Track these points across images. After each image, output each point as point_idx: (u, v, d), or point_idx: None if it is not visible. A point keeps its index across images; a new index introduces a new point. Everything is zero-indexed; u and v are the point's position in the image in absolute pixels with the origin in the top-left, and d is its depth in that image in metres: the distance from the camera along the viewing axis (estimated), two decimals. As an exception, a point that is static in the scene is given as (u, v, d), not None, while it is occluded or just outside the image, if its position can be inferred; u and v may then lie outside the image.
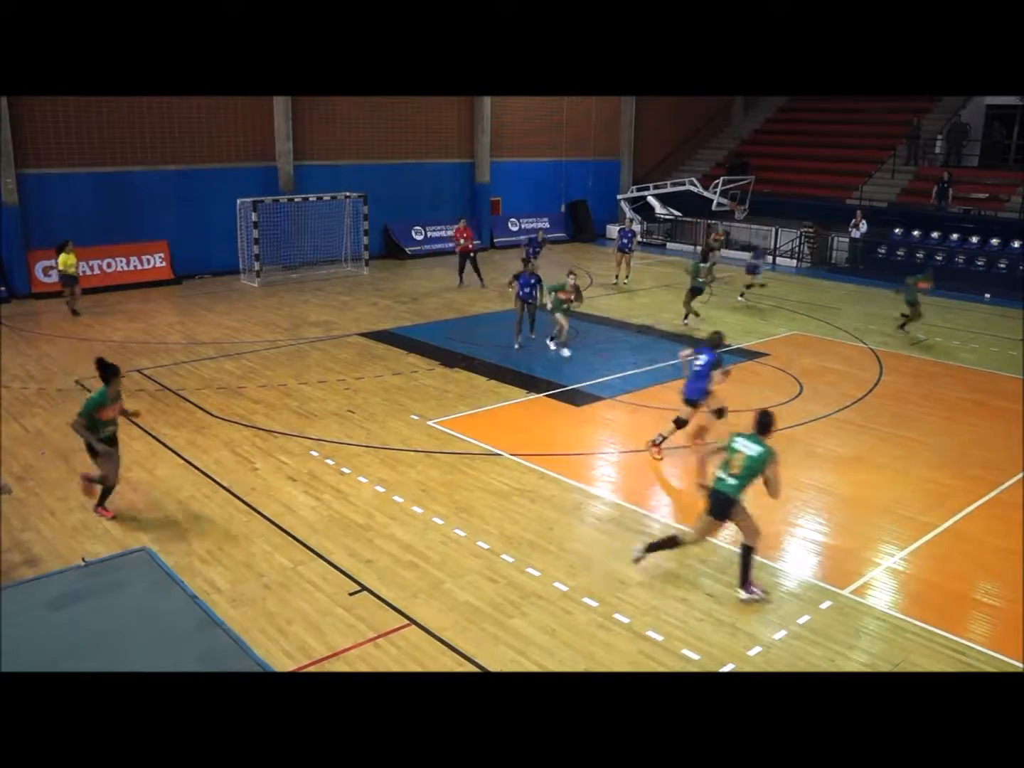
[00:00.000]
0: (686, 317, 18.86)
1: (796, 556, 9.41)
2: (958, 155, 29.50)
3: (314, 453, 11.30)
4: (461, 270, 22.33)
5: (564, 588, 8.37)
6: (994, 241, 25.49)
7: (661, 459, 11.56)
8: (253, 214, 22.12)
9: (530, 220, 30.28)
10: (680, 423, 11.33)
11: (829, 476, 11.30)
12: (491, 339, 16.61)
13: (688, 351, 11.51)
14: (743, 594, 8.36)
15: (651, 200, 31.13)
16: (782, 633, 7.81)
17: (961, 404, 14.36)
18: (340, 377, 14.33)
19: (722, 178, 30.82)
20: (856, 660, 7.47)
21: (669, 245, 30.28)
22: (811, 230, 28.27)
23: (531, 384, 14.17)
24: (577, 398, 13.76)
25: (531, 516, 9.80)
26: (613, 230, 29.08)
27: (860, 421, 13.20)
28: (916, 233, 26.81)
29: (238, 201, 22.51)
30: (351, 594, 8.17)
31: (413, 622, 7.75)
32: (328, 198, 23.98)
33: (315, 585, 8.31)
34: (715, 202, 30.13)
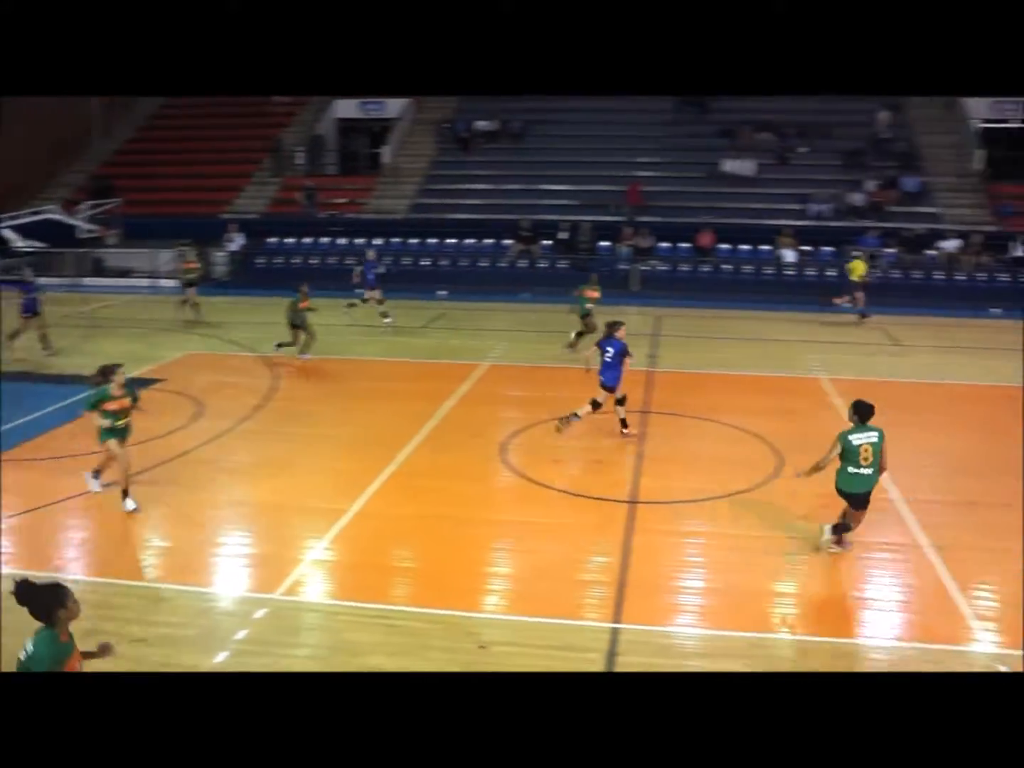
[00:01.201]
0: (302, 350, 17.44)
1: (223, 574, 9.26)
2: (319, 165, 31.50)
3: None
4: None
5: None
6: (358, 240, 27.66)
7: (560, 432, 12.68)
8: None
9: None
10: (596, 405, 12.62)
11: (243, 488, 11.31)
12: None
13: (592, 350, 12.94)
14: (834, 547, 9.24)
15: (7, 233, 28.32)
16: (223, 655, 7.59)
17: (359, 393, 15.38)
18: None
19: (87, 203, 29.20)
20: (298, 656, 7.55)
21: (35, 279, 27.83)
22: (189, 247, 28.03)
23: None
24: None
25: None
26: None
27: (265, 428, 13.43)
28: (291, 240, 28.04)
29: None
30: None
31: None
32: None
33: None
34: (82, 228, 28.44)
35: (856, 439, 8.81)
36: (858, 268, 22.28)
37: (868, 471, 8.83)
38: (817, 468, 9.07)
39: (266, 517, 10.47)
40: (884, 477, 11.59)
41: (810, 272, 25.53)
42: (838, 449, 8.89)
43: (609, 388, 12.67)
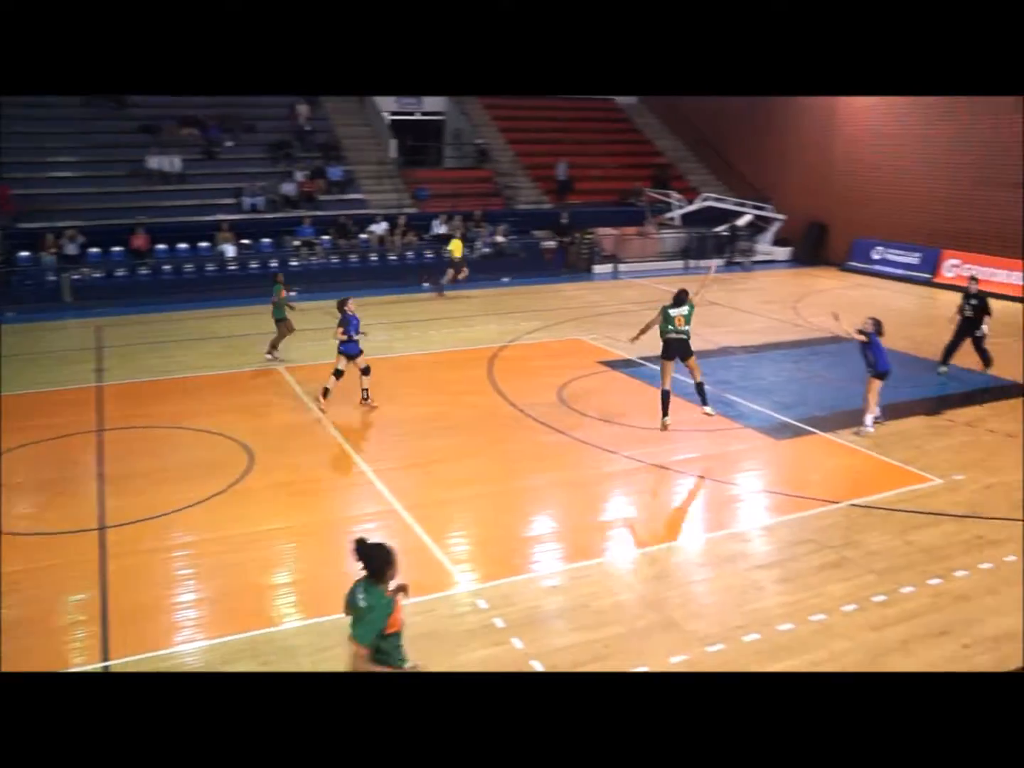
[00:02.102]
0: None
1: None
2: None
3: None
4: None
5: None
6: None
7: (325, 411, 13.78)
8: None
9: None
10: (339, 374, 14.06)
11: None
12: None
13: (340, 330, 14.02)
14: (710, 409, 12.80)
15: None
16: None
17: None
18: None
19: None
20: None
21: None
22: None
23: None
24: None
25: None
26: None
27: None
28: None
29: None
30: None
31: None
32: None
33: None
34: None
35: (672, 312, 12.35)
36: (457, 247, 24.82)
37: (683, 335, 12.34)
38: (643, 331, 12.81)
39: None
40: (353, 454, 12.19)
41: (253, 265, 25.54)
42: (659, 319, 12.42)
43: (351, 356, 14.01)
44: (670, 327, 12.32)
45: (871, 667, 7.38)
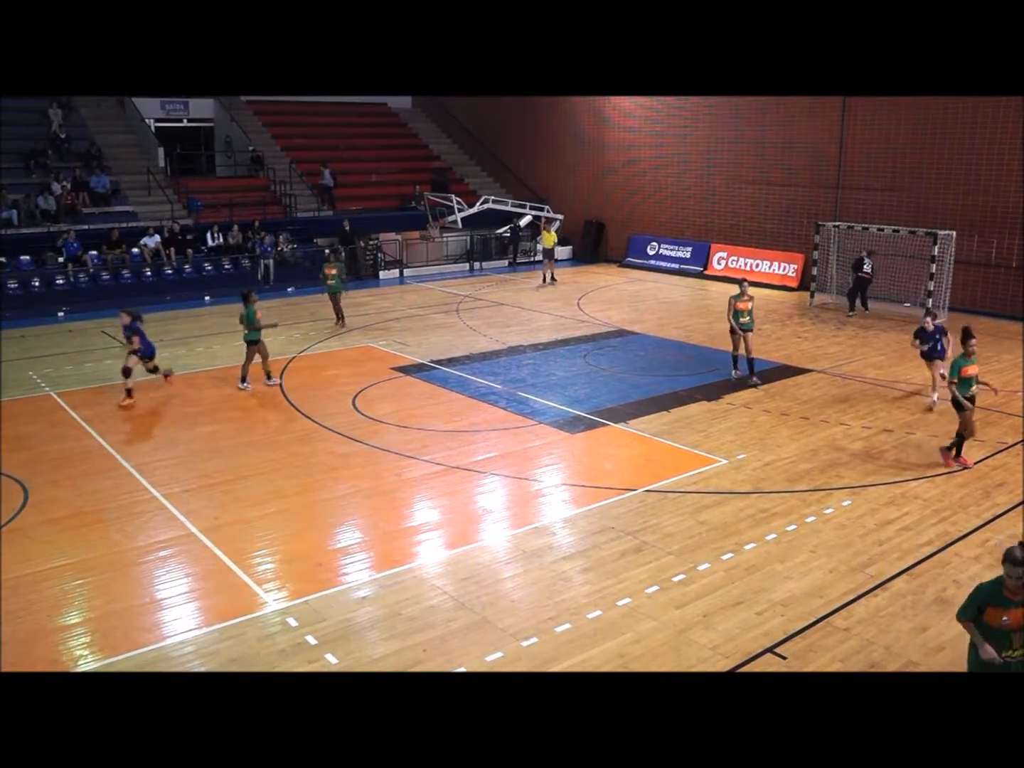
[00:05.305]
0: None
1: None
2: None
3: None
4: None
5: None
6: None
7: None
8: None
9: None
10: (127, 371, 14.84)
11: None
12: None
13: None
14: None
15: None
16: None
17: None
18: None
19: None
20: None
21: None
22: None
23: None
24: None
25: None
26: None
27: None
28: None
29: None
30: None
31: None
32: None
33: None
34: None
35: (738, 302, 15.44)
36: (549, 238, 27.63)
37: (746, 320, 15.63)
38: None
39: None
40: (140, 478, 11.54)
41: (12, 284, 23.61)
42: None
43: (148, 356, 15.44)
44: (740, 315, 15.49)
45: (677, 642, 7.71)
